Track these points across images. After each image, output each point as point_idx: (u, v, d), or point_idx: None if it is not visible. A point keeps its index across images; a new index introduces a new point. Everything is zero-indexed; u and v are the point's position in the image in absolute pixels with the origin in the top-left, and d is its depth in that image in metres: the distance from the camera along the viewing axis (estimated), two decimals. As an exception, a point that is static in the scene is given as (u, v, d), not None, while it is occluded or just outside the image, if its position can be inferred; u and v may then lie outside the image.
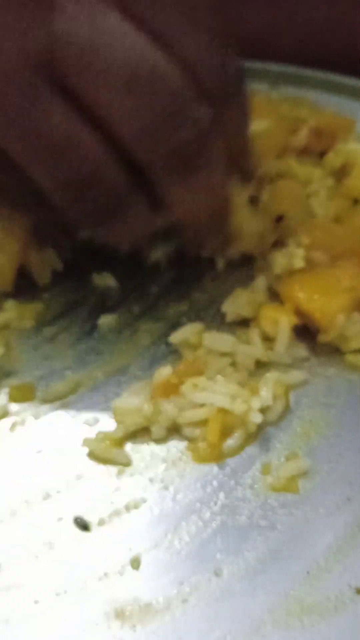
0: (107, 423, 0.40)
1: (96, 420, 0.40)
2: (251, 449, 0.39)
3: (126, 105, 0.33)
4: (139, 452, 0.39)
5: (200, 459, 0.38)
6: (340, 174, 0.55)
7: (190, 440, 0.39)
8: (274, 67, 0.66)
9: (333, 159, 0.56)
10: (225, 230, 0.45)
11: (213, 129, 0.36)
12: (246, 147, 0.44)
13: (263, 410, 0.39)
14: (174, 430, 0.39)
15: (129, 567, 0.34)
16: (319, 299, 0.42)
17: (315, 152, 0.56)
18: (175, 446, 0.39)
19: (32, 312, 0.47)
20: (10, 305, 0.47)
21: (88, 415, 0.41)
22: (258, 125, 0.52)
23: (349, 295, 0.43)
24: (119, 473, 0.38)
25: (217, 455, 0.38)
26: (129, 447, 0.39)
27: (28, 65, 0.32)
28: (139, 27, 0.33)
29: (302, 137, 0.55)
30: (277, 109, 0.56)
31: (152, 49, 0.33)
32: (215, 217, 0.42)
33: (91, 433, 0.39)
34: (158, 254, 0.48)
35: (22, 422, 0.40)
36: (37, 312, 0.47)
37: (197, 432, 0.39)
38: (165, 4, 0.34)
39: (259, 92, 0.58)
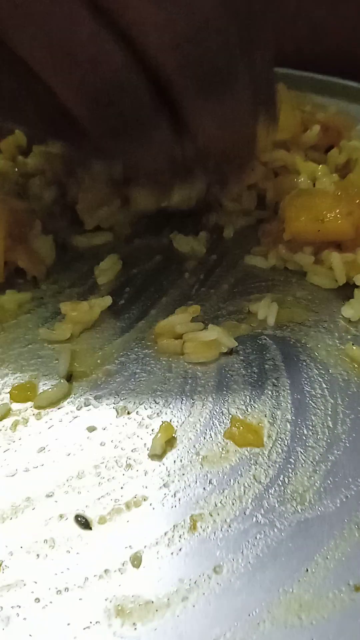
0: (108, 422, 0.41)
1: (98, 419, 0.41)
2: (251, 449, 0.39)
3: (157, 18, 0.33)
4: (140, 451, 0.39)
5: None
6: (345, 170, 0.56)
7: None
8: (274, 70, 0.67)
9: (337, 156, 0.57)
10: (247, 167, 0.45)
11: (242, 58, 0.36)
12: (272, 92, 0.44)
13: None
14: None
15: (130, 565, 0.34)
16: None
17: (322, 147, 0.57)
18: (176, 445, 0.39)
19: (30, 310, 0.48)
20: (9, 304, 0.48)
21: (89, 415, 0.41)
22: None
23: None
24: (121, 471, 0.38)
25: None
26: (130, 447, 0.39)
27: None
28: None
29: (313, 134, 0.56)
30: (288, 102, 0.56)
31: None
32: (240, 149, 0.41)
33: (92, 433, 0.40)
34: (176, 197, 0.48)
35: (24, 421, 0.41)
36: (37, 311, 0.48)
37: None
38: None
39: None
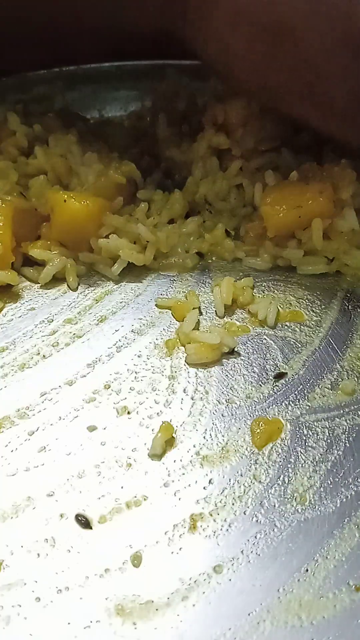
0: (108, 422, 0.41)
1: (98, 419, 0.41)
2: (251, 448, 0.39)
3: None
4: (141, 450, 0.39)
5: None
6: None
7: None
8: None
9: None
10: None
11: None
12: None
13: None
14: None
15: (130, 564, 0.34)
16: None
17: None
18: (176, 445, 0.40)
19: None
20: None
21: (90, 414, 0.41)
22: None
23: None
24: (121, 471, 0.38)
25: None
26: (130, 447, 0.39)
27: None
28: None
29: None
30: None
31: None
32: None
33: (93, 432, 0.40)
34: None
35: (26, 420, 0.41)
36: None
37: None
38: None
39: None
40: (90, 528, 0.35)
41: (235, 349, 0.45)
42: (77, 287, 0.50)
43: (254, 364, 0.44)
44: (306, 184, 0.50)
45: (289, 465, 0.38)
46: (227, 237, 0.53)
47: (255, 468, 0.38)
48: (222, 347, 0.44)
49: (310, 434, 0.40)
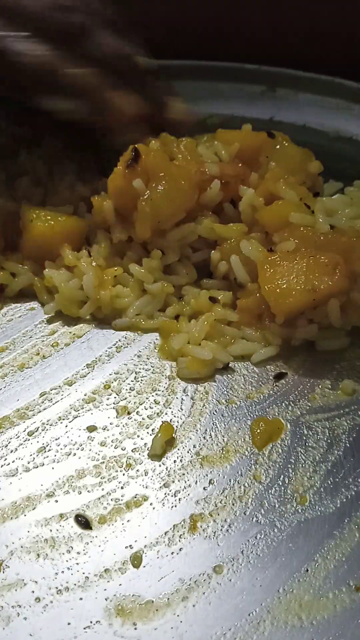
0: (108, 422, 0.41)
1: (98, 419, 0.41)
2: (251, 448, 0.39)
3: None
4: (141, 450, 0.39)
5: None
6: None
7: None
8: (272, 69, 0.67)
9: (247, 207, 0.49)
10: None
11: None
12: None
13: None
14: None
15: (130, 565, 0.34)
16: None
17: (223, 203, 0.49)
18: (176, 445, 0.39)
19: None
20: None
21: (90, 414, 0.41)
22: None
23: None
24: (121, 471, 0.38)
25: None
26: (130, 447, 0.39)
27: None
28: None
29: (214, 192, 0.48)
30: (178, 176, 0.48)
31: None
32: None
33: (93, 432, 0.40)
34: None
35: (26, 420, 0.41)
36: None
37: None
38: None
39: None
40: (90, 528, 0.35)
41: (228, 365, 0.44)
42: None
43: (254, 364, 0.44)
44: (311, 257, 0.43)
45: (289, 466, 0.38)
46: (213, 304, 0.46)
47: (256, 468, 0.38)
48: (216, 362, 0.43)
49: (311, 434, 0.40)
